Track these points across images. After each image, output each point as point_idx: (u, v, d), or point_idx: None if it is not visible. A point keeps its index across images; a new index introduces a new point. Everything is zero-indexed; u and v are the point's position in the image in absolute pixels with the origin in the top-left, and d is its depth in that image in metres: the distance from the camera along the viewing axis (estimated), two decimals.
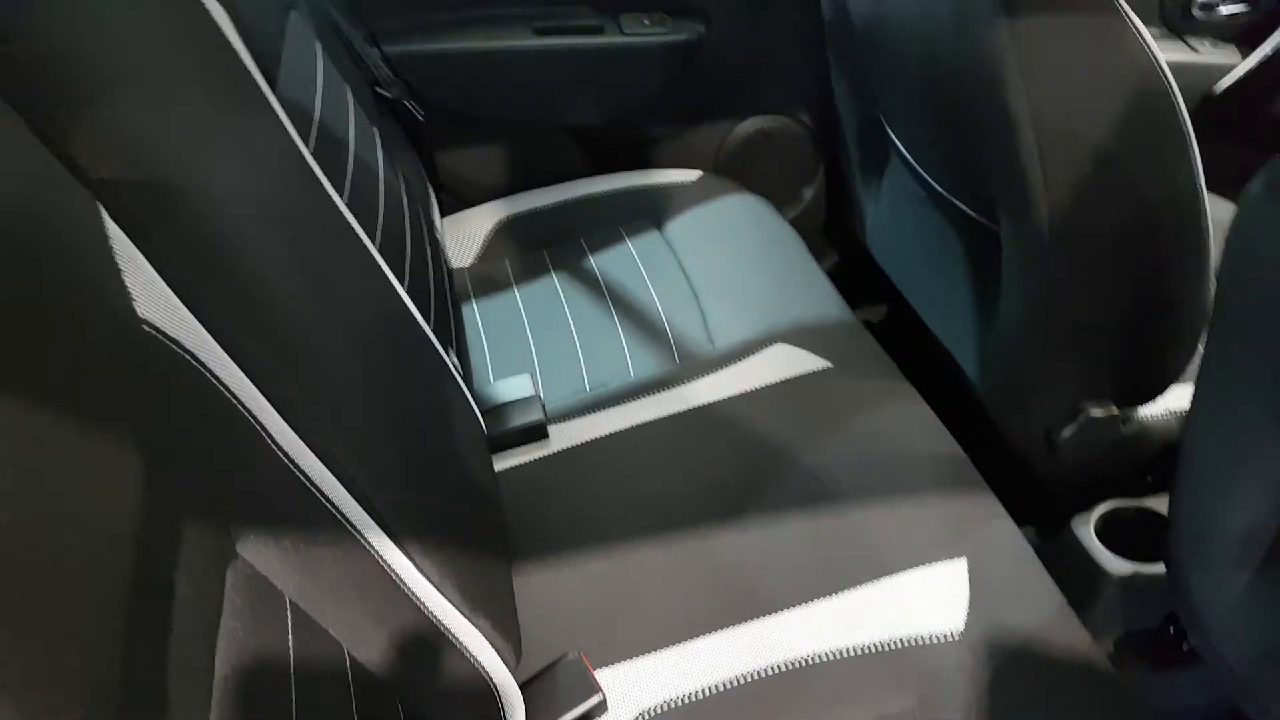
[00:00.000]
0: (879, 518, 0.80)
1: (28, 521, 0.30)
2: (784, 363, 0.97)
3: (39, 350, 0.34)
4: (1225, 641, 0.64)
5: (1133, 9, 0.70)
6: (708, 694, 0.69)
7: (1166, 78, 0.70)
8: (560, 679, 0.68)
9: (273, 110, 0.67)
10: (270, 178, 0.61)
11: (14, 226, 0.35)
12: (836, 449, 0.87)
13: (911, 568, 0.75)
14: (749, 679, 0.69)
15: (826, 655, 0.70)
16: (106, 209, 0.40)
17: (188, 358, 0.41)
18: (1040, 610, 0.73)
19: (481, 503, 0.75)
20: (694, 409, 0.93)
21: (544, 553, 0.80)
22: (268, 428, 0.46)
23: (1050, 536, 1.01)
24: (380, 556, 0.53)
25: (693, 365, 0.99)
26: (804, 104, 1.37)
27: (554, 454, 0.91)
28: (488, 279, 1.18)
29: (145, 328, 0.39)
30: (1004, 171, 0.77)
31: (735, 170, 1.38)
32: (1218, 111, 1.27)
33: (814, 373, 0.96)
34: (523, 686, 0.67)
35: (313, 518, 0.48)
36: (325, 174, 0.72)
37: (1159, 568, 0.92)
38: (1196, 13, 1.28)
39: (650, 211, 1.23)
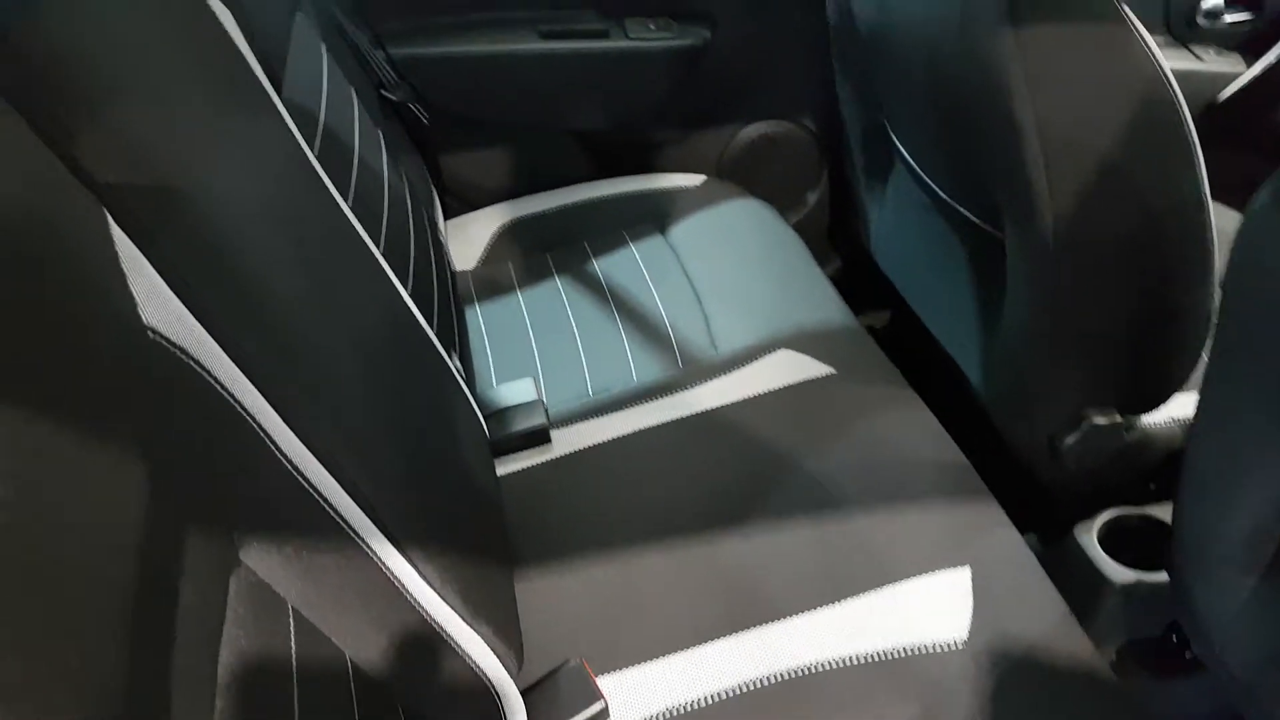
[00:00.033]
0: (882, 525, 0.80)
1: (31, 529, 0.30)
2: (787, 368, 0.97)
3: (42, 357, 0.33)
4: (1228, 649, 0.63)
5: (1138, 17, 0.70)
6: (710, 702, 0.69)
7: (1172, 87, 0.70)
8: (562, 686, 0.68)
9: (278, 113, 0.67)
10: (275, 181, 0.61)
11: (18, 230, 0.35)
12: (840, 455, 0.87)
13: (915, 575, 0.75)
14: (752, 687, 0.69)
15: (830, 664, 0.70)
16: (111, 213, 0.40)
17: (191, 364, 0.41)
18: (1043, 619, 0.73)
19: (484, 507, 0.75)
20: (697, 414, 0.93)
21: (546, 558, 0.80)
22: (271, 433, 0.46)
23: (1053, 544, 1.01)
24: (382, 563, 0.53)
25: (696, 370, 0.99)
26: (808, 109, 1.37)
27: (557, 459, 0.91)
28: (491, 282, 1.17)
29: (150, 334, 0.39)
30: (1009, 179, 0.77)
31: (739, 175, 1.38)
32: (1222, 119, 1.27)
33: (817, 379, 0.96)
34: (524, 693, 0.67)
35: (315, 524, 0.48)
36: (330, 177, 0.72)
37: (1161, 576, 0.92)
38: (1201, 21, 1.28)
39: (654, 216, 1.23)
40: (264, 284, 0.51)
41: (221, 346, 0.44)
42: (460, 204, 1.33)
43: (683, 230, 1.20)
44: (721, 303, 1.07)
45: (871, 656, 0.70)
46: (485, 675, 0.61)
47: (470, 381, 1.02)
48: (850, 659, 0.70)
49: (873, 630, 0.72)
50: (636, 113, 1.33)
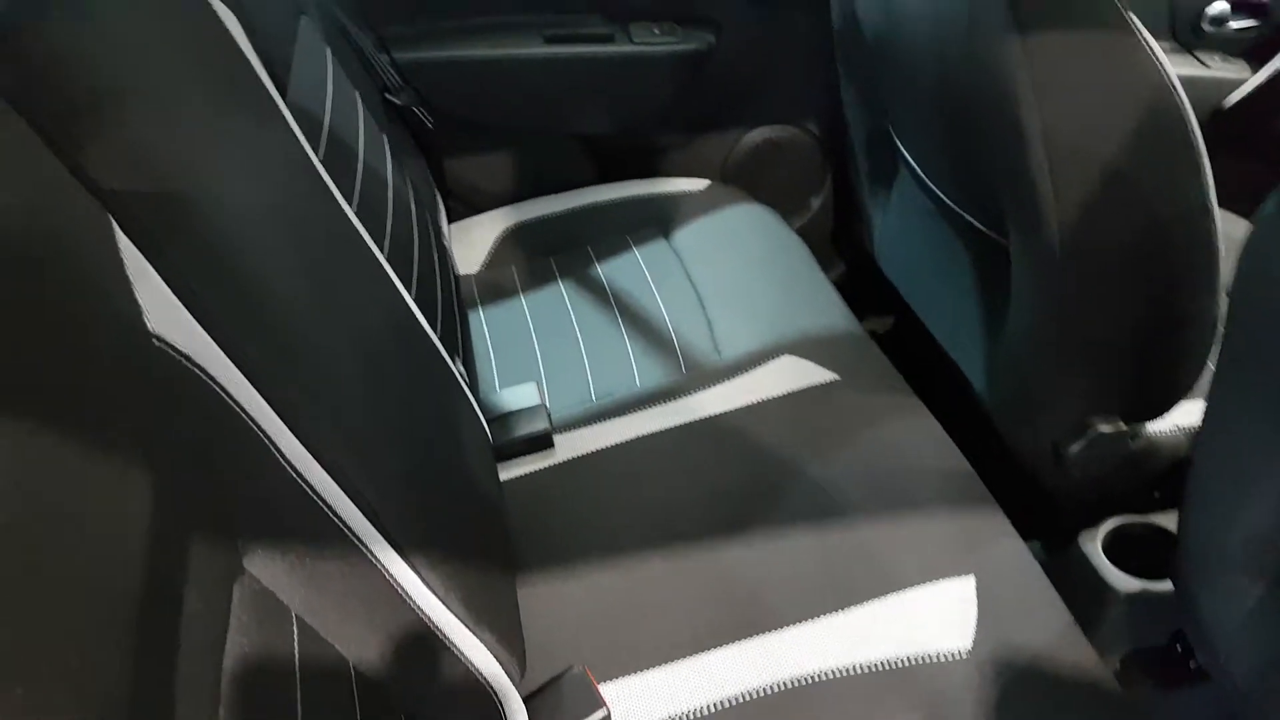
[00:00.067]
0: (886, 533, 0.79)
1: (35, 536, 0.30)
2: (791, 374, 0.97)
3: (46, 364, 0.33)
4: (1233, 659, 0.63)
5: (1143, 23, 0.70)
6: (713, 710, 0.68)
7: (1179, 95, 0.70)
8: (565, 693, 0.68)
9: (283, 117, 0.67)
10: (280, 186, 0.61)
11: (23, 238, 0.34)
12: (844, 463, 0.86)
13: (918, 584, 0.75)
14: (755, 695, 0.69)
15: (833, 673, 0.70)
16: (116, 220, 0.40)
17: (196, 371, 0.41)
18: (1047, 628, 0.72)
19: (487, 513, 0.75)
20: (700, 420, 0.93)
21: (548, 564, 0.79)
22: (275, 440, 0.46)
23: (1057, 552, 1.01)
24: (385, 569, 0.52)
25: (699, 376, 0.98)
26: (812, 114, 1.37)
27: (559, 464, 0.90)
28: (494, 286, 1.17)
29: (155, 342, 0.39)
30: (1014, 186, 0.77)
31: (743, 179, 1.38)
32: (1227, 126, 1.27)
33: (821, 385, 0.95)
34: (527, 700, 0.67)
35: (319, 531, 0.48)
36: (334, 181, 0.72)
37: (1166, 585, 0.92)
38: (1207, 27, 1.28)
39: (657, 220, 1.23)
40: (268, 289, 0.51)
41: (225, 352, 0.44)
42: (464, 208, 1.33)
43: (686, 235, 1.20)
44: (725, 307, 1.07)
45: (875, 666, 0.70)
46: (488, 682, 0.61)
47: (473, 385, 1.02)
48: (854, 668, 0.70)
49: (876, 639, 0.71)
50: (641, 117, 1.33)
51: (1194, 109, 0.71)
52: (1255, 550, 0.59)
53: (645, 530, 0.81)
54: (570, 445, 0.92)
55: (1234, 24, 1.28)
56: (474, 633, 0.59)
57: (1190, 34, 1.29)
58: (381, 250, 0.77)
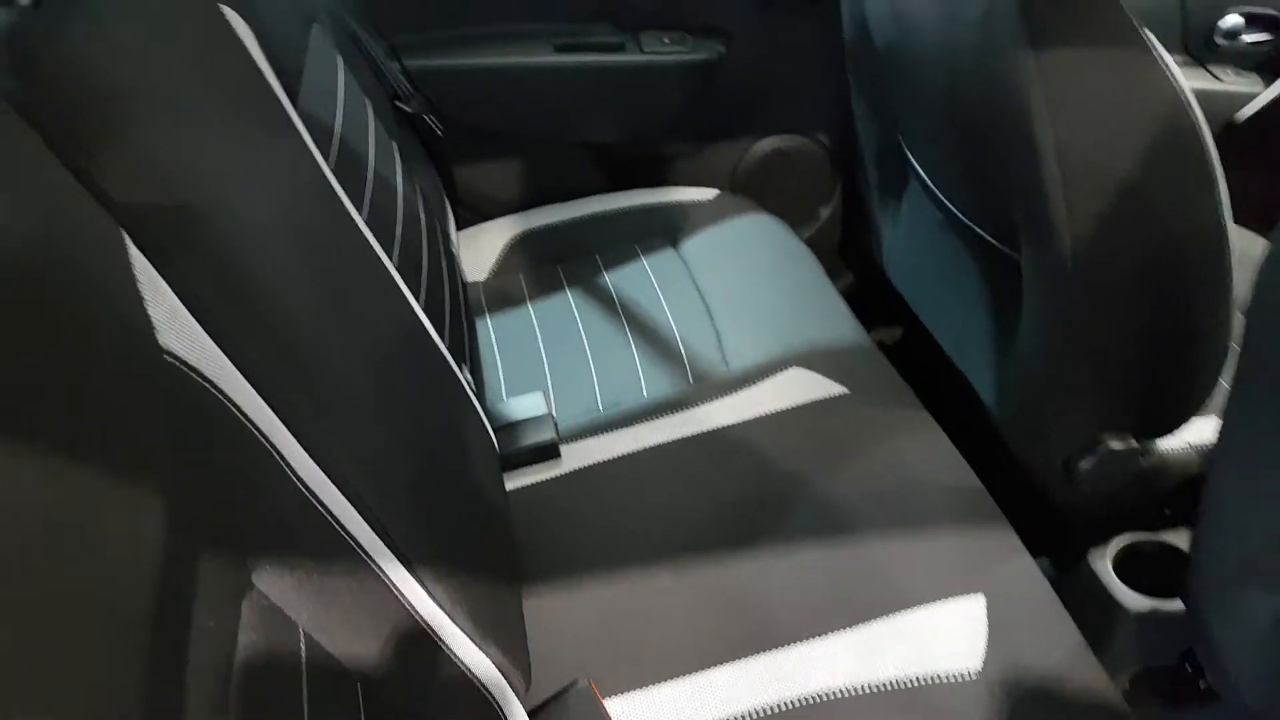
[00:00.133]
0: (895, 550, 0.79)
1: (45, 551, 0.30)
2: (799, 387, 0.96)
3: (57, 380, 0.33)
4: (1243, 679, 0.63)
5: (1155, 37, 0.69)
6: None
7: (1193, 111, 0.69)
8: (570, 707, 0.68)
9: (294, 127, 0.66)
10: (291, 196, 0.61)
11: (36, 253, 0.34)
12: (852, 478, 0.86)
13: (928, 602, 0.74)
14: (761, 714, 0.68)
15: (841, 692, 0.69)
16: (129, 234, 0.40)
17: (207, 386, 0.41)
18: (1057, 648, 0.72)
19: (493, 524, 0.75)
20: (708, 432, 0.92)
21: (554, 575, 0.79)
22: (284, 453, 0.45)
23: (1066, 569, 1.00)
24: (393, 584, 0.52)
25: (707, 387, 0.98)
26: (822, 124, 1.37)
27: (566, 474, 0.90)
28: (502, 294, 1.17)
29: (166, 357, 0.39)
30: (1026, 200, 0.77)
31: (752, 189, 1.38)
32: (1239, 139, 1.26)
33: (830, 398, 0.95)
34: (532, 714, 0.66)
35: (328, 547, 0.47)
36: (345, 188, 0.72)
37: (1176, 604, 0.91)
38: (1220, 41, 1.27)
39: (666, 229, 1.23)
40: (278, 300, 0.51)
41: (235, 365, 0.43)
42: (473, 215, 1.33)
43: (695, 244, 1.20)
44: (733, 318, 1.07)
45: (885, 685, 0.69)
46: (493, 696, 0.60)
47: (480, 393, 1.01)
48: (862, 688, 0.69)
49: (885, 658, 0.71)
50: (650, 126, 1.33)
51: (1207, 123, 0.70)
52: (1269, 570, 0.58)
53: (652, 543, 0.81)
54: (577, 455, 0.92)
55: (1247, 38, 1.27)
56: (480, 647, 0.59)
57: (1203, 47, 1.29)
58: (390, 258, 0.77)
